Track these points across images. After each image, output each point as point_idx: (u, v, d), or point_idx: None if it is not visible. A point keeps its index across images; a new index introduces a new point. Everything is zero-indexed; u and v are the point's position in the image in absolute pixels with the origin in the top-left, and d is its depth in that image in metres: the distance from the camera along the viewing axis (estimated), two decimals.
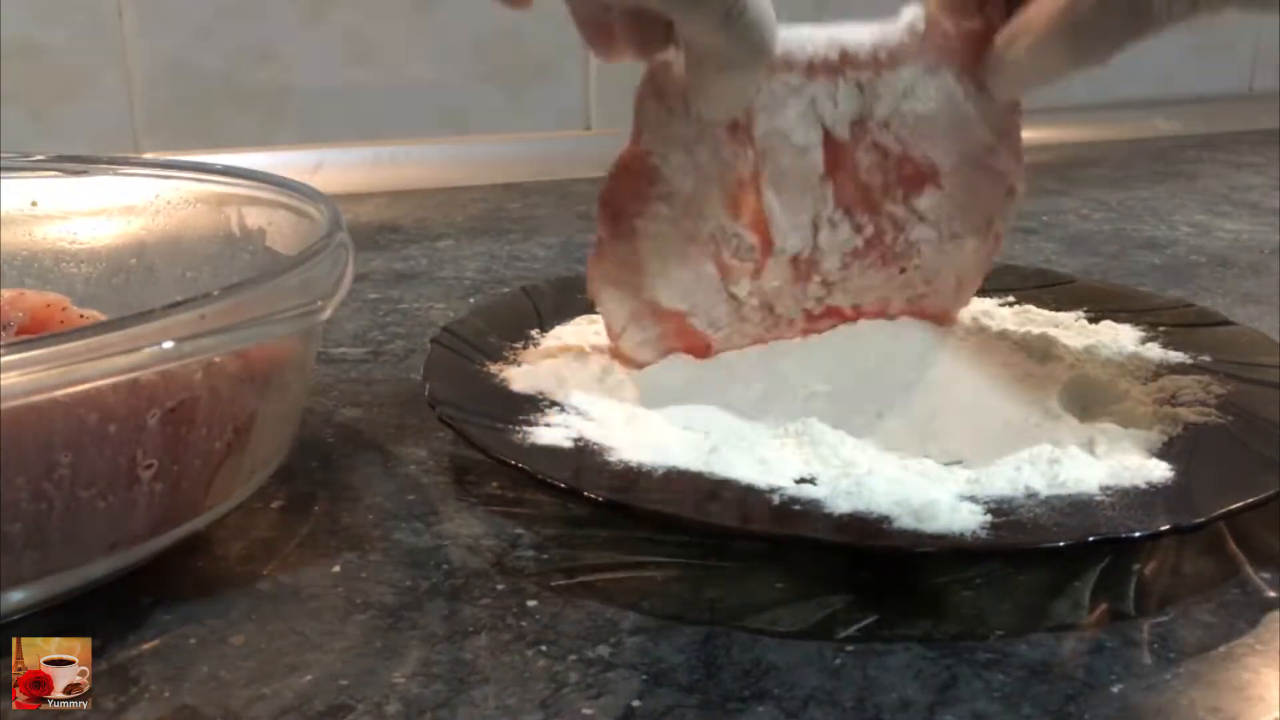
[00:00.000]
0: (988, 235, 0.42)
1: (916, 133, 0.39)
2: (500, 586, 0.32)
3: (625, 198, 0.39)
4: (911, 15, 0.39)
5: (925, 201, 0.40)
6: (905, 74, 0.39)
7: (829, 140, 0.39)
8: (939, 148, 0.40)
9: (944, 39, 0.39)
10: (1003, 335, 0.45)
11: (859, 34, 0.39)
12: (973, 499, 0.33)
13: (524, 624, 0.30)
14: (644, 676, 0.28)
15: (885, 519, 0.31)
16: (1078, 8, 0.34)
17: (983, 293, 0.50)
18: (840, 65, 0.38)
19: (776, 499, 0.33)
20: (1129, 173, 0.91)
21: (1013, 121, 0.40)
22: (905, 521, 0.31)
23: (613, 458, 0.35)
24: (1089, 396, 0.40)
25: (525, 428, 0.37)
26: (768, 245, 0.40)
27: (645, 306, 0.41)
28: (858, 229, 0.41)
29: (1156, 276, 0.63)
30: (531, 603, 0.31)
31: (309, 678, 0.28)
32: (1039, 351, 0.43)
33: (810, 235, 0.40)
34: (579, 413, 0.38)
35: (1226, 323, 0.46)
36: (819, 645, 0.29)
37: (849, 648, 0.29)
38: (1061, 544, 0.30)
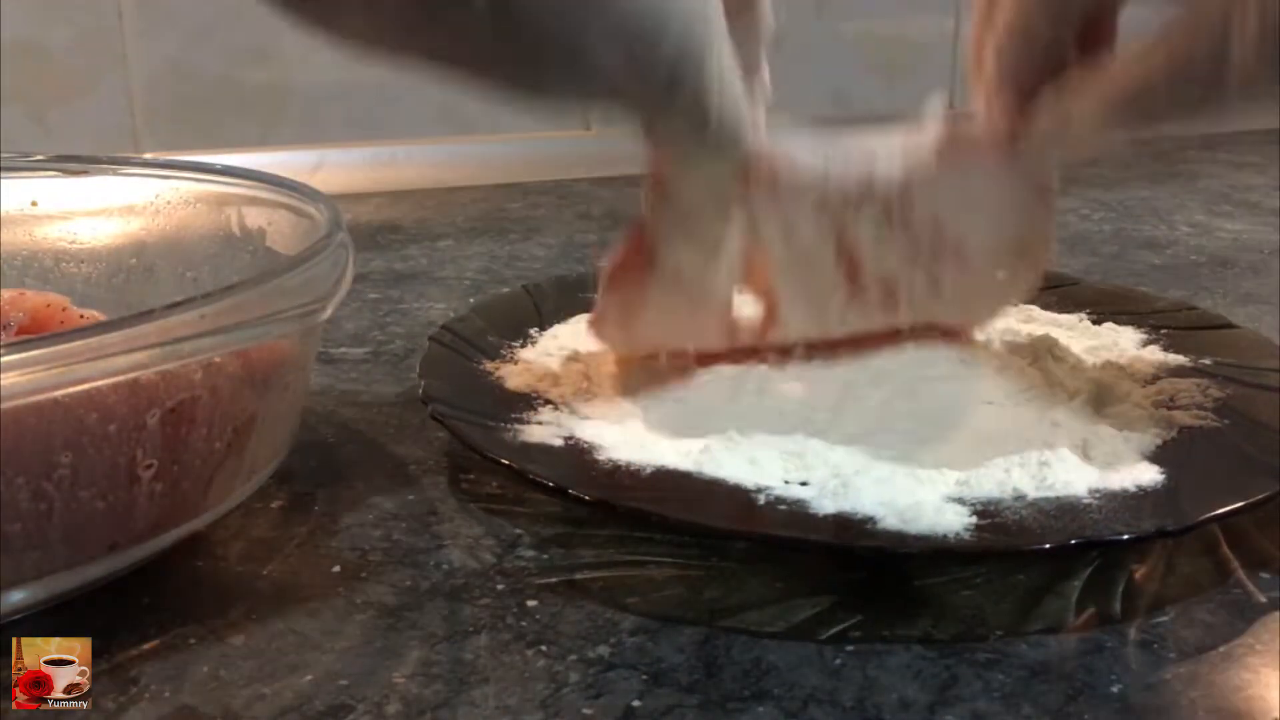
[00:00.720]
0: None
1: (944, 236, 0.39)
2: (500, 586, 0.32)
3: (628, 280, 0.39)
4: (934, 120, 0.38)
5: (949, 274, 0.40)
6: (934, 186, 0.38)
7: (849, 259, 0.39)
8: (970, 245, 0.40)
9: (971, 139, 0.38)
10: (1005, 335, 0.45)
11: (879, 148, 0.38)
12: (960, 500, 0.33)
13: (524, 624, 0.30)
14: (644, 676, 0.28)
15: (870, 520, 0.31)
16: (1150, 77, 0.33)
17: None
18: (859, 200, 0.38)
19: (763, 499, 0.33)
20: (1129, 173, 0.91)
21: (1046, 207, 0.40)
22: (890, 522, 0.31)
23: (601, 456, 0.35)
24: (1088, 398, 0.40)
25: (517, 425, 0.37)
26: (772, 317, 0.41)
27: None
28: (866, 309, 0.41)
29: (1157, 277, 0.63)
30: (531, 603, 0.31)
31: (309, 678, 0.28)
32: (1041, 353, 0.43)
33: (819, 322, 0.41)
34: (571, 411, 0.39)
35: (1229, 325, 0.46)
36: (819, 645, 0.29)
37: (849, 648, 0.29)
38: (1045, 546, 0.30)
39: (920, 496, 0.32)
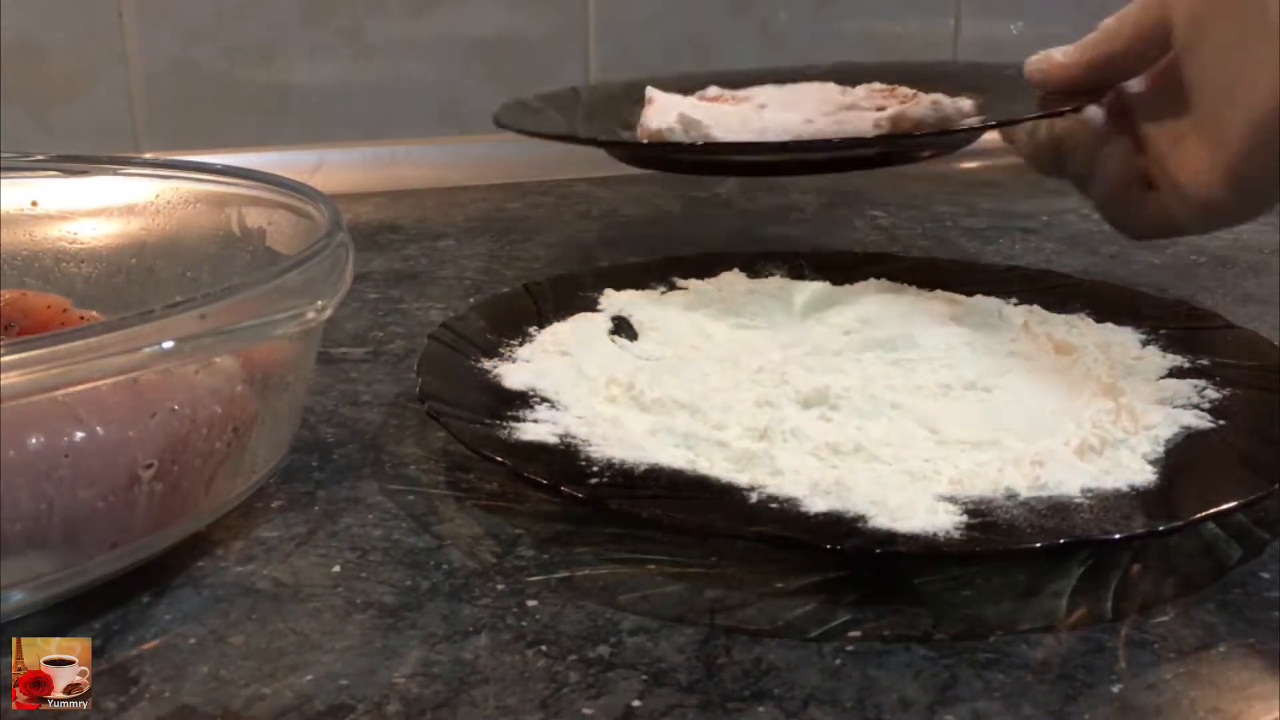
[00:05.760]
0: None
1: None
2: (500, 586, 0.32)
3: None
4: None
5: None
6: None
7: None
8: None
9: None
10: (1028, 332, 0.45)
11: None
12: (952, 500, 0.33)
13: (524, 624, 0.30)
14: (644, 676, 0.28)
15: (861, 518, 0.31)
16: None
17: (990, 292, 0.50)
18: None
19: (754, 497, 0.33)
20: None
21: None
22: (880, 521, 0.31)
23: (595, 454, 0.35)
24: None
25: (512, 423, 0.37)
26: None
27: None
28: None
29: (1156, 276, 0.62)
30: (531, 603, 0.31)
31: (309, 678, 0.28)
32: (1063, 350, 0.43)
33: None
34: (567, 409, 0.39)
35: (1228, 326, 0.46)
36: (819, 645, 0.29)
37: (849, 648, 0.29)
38: (1034, 545, 0.30)
39: (911, 495, 0.32)
